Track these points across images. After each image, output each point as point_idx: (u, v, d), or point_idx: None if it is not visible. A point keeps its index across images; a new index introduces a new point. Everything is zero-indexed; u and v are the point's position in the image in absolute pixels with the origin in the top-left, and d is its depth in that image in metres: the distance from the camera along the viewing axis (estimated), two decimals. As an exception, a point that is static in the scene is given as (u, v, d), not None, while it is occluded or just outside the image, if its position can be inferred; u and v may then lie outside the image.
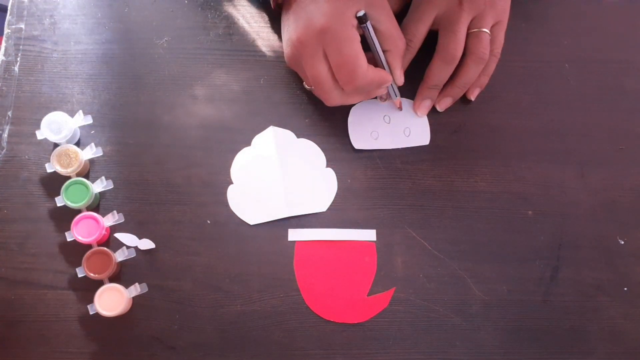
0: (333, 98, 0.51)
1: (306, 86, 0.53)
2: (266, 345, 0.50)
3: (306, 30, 0.48)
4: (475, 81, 0.54)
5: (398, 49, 0.50)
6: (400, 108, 0.55)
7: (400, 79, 0.52)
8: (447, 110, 0.55)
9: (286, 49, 0.51)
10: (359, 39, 0.48)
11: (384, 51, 0.50)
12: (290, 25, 0.50)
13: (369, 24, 0.48)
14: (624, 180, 0.54)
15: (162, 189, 0.52)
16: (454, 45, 0.51)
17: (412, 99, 0.55)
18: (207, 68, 0.55)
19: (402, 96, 0.55)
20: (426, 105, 0.54)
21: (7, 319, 0.49)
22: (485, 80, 0.54)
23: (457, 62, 0.52)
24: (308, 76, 0.50)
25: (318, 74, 0.49)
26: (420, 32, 0.52)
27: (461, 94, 0.54)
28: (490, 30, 0.52)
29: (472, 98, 0.55)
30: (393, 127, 0.54)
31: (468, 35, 0.52)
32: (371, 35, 0.49)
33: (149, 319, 0.50)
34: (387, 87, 0.52)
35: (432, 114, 0.55)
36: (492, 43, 0.53)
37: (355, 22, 0.48)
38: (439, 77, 0.52)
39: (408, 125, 0.54)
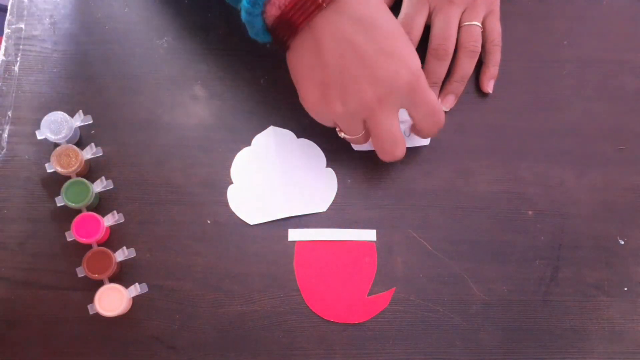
0: (402, 148, 0.48)
1: (343, 135, 0.49)
2: (266, 345, 0.50)
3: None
4: (486, 73, 0.54)
5: None
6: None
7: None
8: (447, 110, 0.55)
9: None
10: None
11: None
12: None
13: None
14: (624, 180, 0.54)
15: (162, 189, 0.52)
16: (444, 40, 0.51)
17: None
18: (207, 68, 0.55)
19: None
20: None
21: (7, 319, 0.49)
22: (495, 71, 0.54)
23: (449, 56, 0.52)
24: (374, 132, 0.47)
25: (391, 127, 0.46)
26: (417, 25, 0.53)
27: (462, 89, 0.54)
28: (484, 21, 0.53)
29: (490, 90, 0.55)
30: (393, 127, 0.54)
31: (459, 29, 0.52)
32: None
33: (149, 319, 0.50)
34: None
35: (432, 114, 0.55)
36: (491, 33, 0.54)
37: None
38: (434, 73, 0.53)
39: (408, 126, 0.54)
